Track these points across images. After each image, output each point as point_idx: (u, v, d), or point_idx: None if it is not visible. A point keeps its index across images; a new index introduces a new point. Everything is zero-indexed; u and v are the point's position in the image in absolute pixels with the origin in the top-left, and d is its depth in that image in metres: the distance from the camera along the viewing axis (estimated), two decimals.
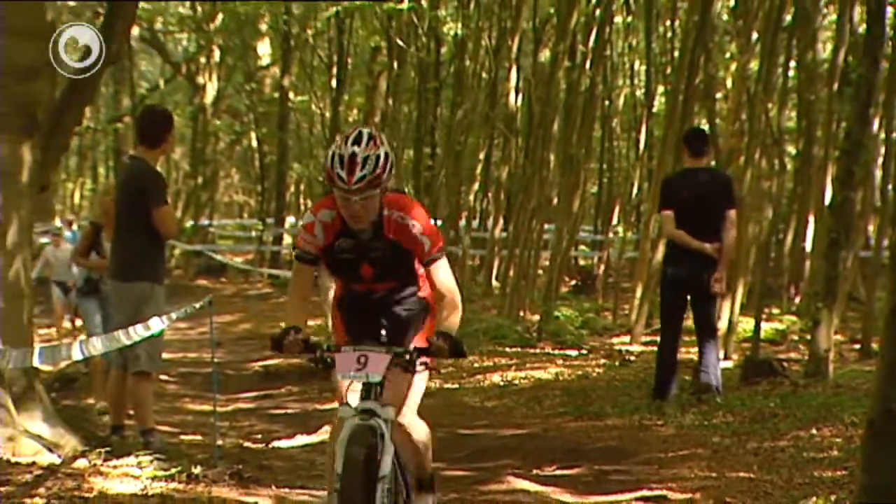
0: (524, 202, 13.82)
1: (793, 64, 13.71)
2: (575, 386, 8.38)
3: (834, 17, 13.81)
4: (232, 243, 25.81)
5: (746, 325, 10.27)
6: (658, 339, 7.42)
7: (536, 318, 12.52)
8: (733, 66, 13.71)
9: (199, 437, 6.65)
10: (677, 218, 6.81)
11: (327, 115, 22.08)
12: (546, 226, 14.51)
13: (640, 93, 19.73)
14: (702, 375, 6.85)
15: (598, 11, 13.85)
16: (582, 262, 19.93)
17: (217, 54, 22.88)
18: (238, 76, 23.97)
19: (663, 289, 7.20)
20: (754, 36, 11.77)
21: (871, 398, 3.18)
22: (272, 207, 23.32)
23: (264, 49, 23.93)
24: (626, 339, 11.54)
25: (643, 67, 18.90)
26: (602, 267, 17.16)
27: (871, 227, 13.10)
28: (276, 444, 6.65)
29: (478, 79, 16.09)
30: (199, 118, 23.13)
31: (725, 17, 16.01)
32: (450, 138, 16.18)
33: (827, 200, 10.78)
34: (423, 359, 3.38)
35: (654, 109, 18.00)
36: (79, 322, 9.86)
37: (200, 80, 23.00)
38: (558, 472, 5.44)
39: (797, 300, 13.41)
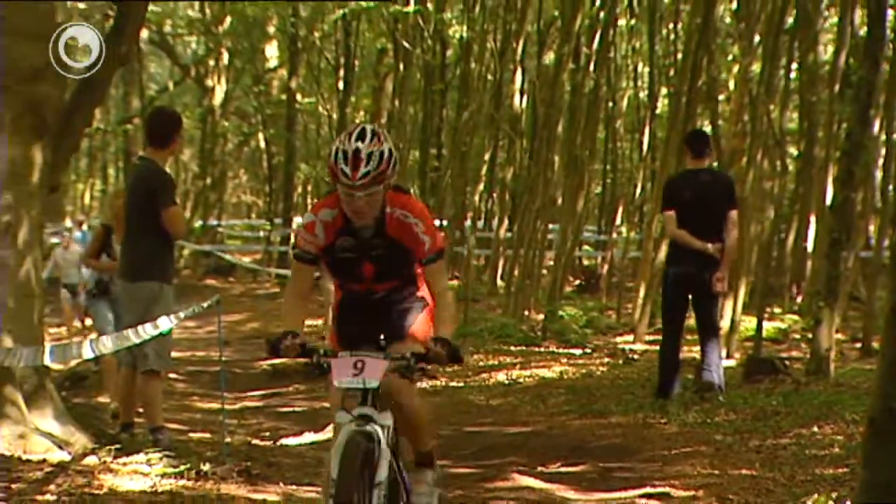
0: (529, 203, 13.93)
1: (794, 66, 13.84)
2: (579, 384, 8.42)
3: (835, 19, 13.87)
4: (240, 243, 25.76)
5: (749, 323, 10.38)
6: (661, 338, 7.39)
7: (541, 317, 12.61)
8: (736, 69, 13.74)
9: (207, 435, 6.60)
10: (679, 218, 6.82)
11: (334, 116, 22.16)
12: (550, 226, 14.59)
13: (643, 94, 19.73)
14: (704, 374, 6.85)
15: (601, 14, 13.98)
16: (586, 262, 19.99)
17: (225, 57, 22.86)
18: (246, 78, 23.98)
19: (665, 288, 7.20)
20: (756, 38, 11.73)
21: (872, 396, 3.19)
22: (280, 208, 23.33)
23: (272, 51, 23.97)
24: (630, 337, 11.64)
25: (646, 69, 18.90)
26: (606, 267, 17.26)
27: (871, 228, 13.18)
28: (283, 441, 6.63)
29: (483, 81, 16.13)
30: (207, 120, 23.09)
31: (728, 19, 16.12)
32: (455, 139, 16.21)
33: (828, 201, 10.85)
34: (421, 364, 3.33)
35: (658, 111, 18.07)
36: (88, 321, 9.86)
37: (209, 82, 23.01)
38: (563, 470, 5.43)
39: (799, 299, 13.50)
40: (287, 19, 21.00)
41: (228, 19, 21.65)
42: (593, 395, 7.82)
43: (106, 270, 7.09)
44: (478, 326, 12.11)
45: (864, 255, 12.33)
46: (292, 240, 21.60)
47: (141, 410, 5.96)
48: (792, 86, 14.15)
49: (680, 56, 14.14)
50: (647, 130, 17.77)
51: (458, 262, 16.85)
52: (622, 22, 17.46)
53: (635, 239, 17.82)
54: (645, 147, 18.05)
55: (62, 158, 5.99)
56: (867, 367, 8.10)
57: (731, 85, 15.25)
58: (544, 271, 14.91)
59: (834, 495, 4.25)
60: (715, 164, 11.50)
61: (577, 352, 10.59)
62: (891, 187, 13.09)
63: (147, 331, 5.09)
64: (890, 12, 9.82)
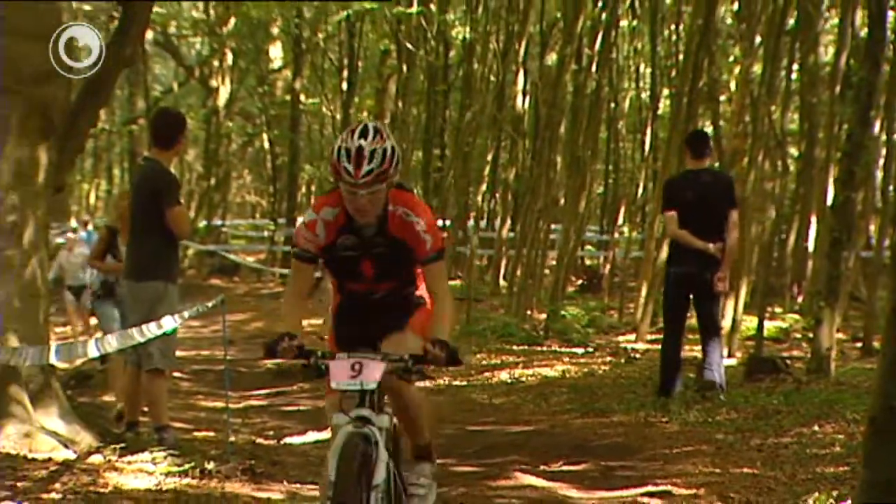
0: (531, 203, 13.99)
1: (795, 67, 13.86)
2: (581, 383, 8.44)
3: (836, 20, 13.82)
4: (244, 243, 25.79)
5: (750, 323, 10.44)
6: (662, 337, 7.41)
7: (543, 316, 12.65)
8: (737, 70, 13.74)
9: (212, 434, 6.61)
10: (681, 218, 6.84)
11: (338, 117, 22.21)
12: (553, 226, 14.68)
13: (645, 95, 19.76)
14: (706, 373, 6.87)
15: (603, 15, 14.00)
16: (588, 262, 20.01)
17: (230, 58, 22.94)
18: (250, 79, 24.02)
19: (667, 288, 7.24)
20: (757, 40, 11.79)
21: (873, 395, 3.21)
22: (284, 208, 23.37)
23: (276, 52, 23.99)
24: (632, 337, 11.70)
25: (648, 70, 18.91)
26: (608, 266, 17.31)
27: (872, 228, 13.20)
28: (287, 440, 6.65)
29: (486, 82, 16.22)
30: (212, 120, 23.13)
31: (729, 21, 16.14)
32: (458, 140, 16.24)
33: (829, 201, 10.86)
34: (419, 366, 3.32)
35: (659, 112, 18.06)
36: (93, 321, 9.85)
37: (213, 83, 23.07)
38: (565, 468, 5.45)
39: (800, 299, 13.53)
40: (291, 20, 21.03)
41: (233, 20, 21.71)
42: (595, 393, 7.85)
43: (111, 272, 7.09)
44: (481, 326, 12.18)
45: (864, 255, 12.36)
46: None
47: (146, 409, 5.97)
48: (793, 87, 14.16)
49: (681, 57, 14.14)
50: (648, 131, 17.84)
51: (461, 261, 16.93)
52: (624, 23, 17.47)
53: (637, 239, 17.88)
54: (647, 147, 18.11)
55: (68, 159, 6.01)
56: (868, 367, 8.13)
57: (733, 86, 15.25)
58: (547, 271, 14.96)
59: (835, 494, 4.27)
60: (716, 164, 11.58)
61: (580, 351, 10.64)
62: (891, 188, 13.11)
63: (152, 330, 5.10)
64: (890, 14, 9.76)
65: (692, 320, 7.23)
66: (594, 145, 15.13)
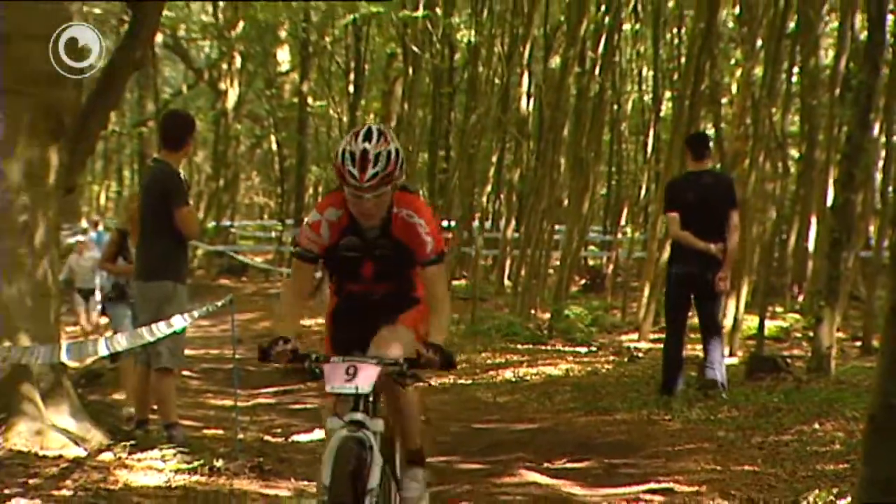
0: (535, 204, 14.07)
1: (796, 70, 13.89)
2: (585, 382, 8.46)
3: (836, 24, 13.91)
4: (252, 244, 25.81)
5: (751, 322, 10.54)
6: (665, 336, 7.41)
7: (547, 316, 12.73)
8: (738, 72, 13.81)
9: (220, 432, 6.59)
10: (682, 219, 6.85)
11: (345, 119, 22.38)
12: (556, 226, 14.72)
13: (647, 98, 19.87)
14: (707, 372, 6.88)
15: (607, 19, 14.07)
16: (591, 262, 20.11)
17: (238, 61, 23.03)
18: (259, 82, 24.13)
19: (669, 288, 7.23)
20: (759, 43, 11.87)
21: (872, 394, 3.22)
22: (291, 209, 23.51)
23: (284, 56, 24.12)
24: (635, 336, 11.78)
25: (651, 73, 19.00)
26: (611, 266, 17.32)
27: (871, 228, 13.23)
28: (295, 438, 6.62)
29: (490, 84, 16.29)
30: (220, 122, 23.26)
31: (731, 24, 16.21)
32: (463, 142, 16.34)
33: (829, 202, 10.93)
34: (413, 370, 3.27)
35: (662, 114, 18.15)
36: (103, 320, 9.87)
37: (222, 85, 23.17)
38: (569, 466, 5.44)
39: (800, 298, 13.59)
40: (299, 24, 21.17)
41: (241, 24, 21.78)
42: (599, 392, 7.86)
43: (122, 274, 7.11)
44: (485, 325, 12.26)
45: (864, 256, 12.35)
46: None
47: (155, 407, 5.98)
48: (793, 89, 14.18)
49: (683, 60, 14.28)
50: (651, 133, 17.94)
51: (467, 261, 17.07)
52: (627, 27, 17.48)
53: (640, 239, 17.95)
54: (649, 149, 18.19)
55: (78, 160, 6.03)
56: (867, 365, 8.12)
57: (734, 88, 15.28)
58: (550, 271, 14.99)
59: (835, 491, 4.28)
60: (718, 166, 11.69)
61: (583, 350, 10.70)
62: (890, 189, 13.19)
63: (161, 329, 5.09)
64: (890, 17, 9.85)
65: (694, 320, 7.27)
66: (597, 147, 15.21)
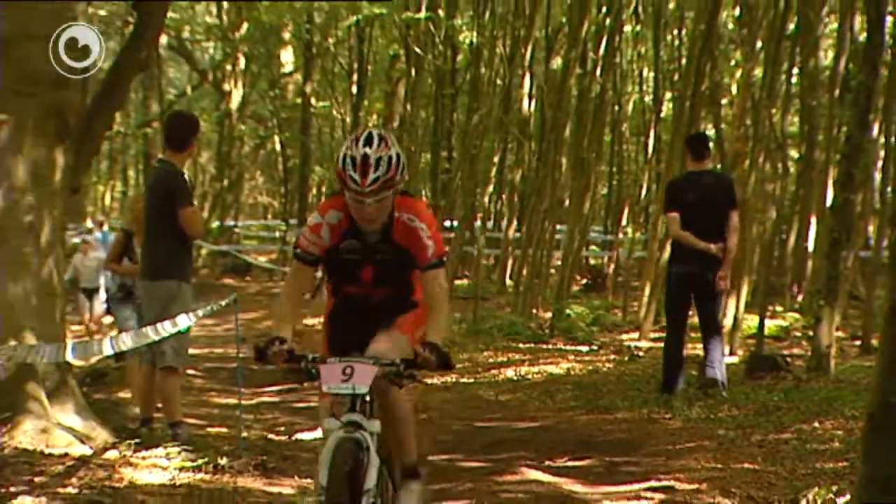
0: (537, 204, 14.11)
1: (795, 71, 13.93)
2: (586, 380, 8.46)
3: (835, 25, 13.95)
4: (256, 243, 25.86)
5: (751, 321, 10.59)
6: (665, 335, 7.42)
7: (549, 315, 12.78)
8: (738, 73, 13.83)
9: (224, 430, 6.59)
10: (683, 219, 6.87)
11: (348, 119, 22.44)
12: (558, 226, 14.77)
13: (648, 99, 19.89)
14: (708, 371, 6.89)
15: (608, 20, 14.12)
16: (592, 262, 20.08)
17: (242, 62, 23.13)
18: (262, 83, 24.17)
19: (669, 287, 7.23)
20: (758, 44, 11.90)
21: (871, 392, 3.23)
22: (295, 209, 23.58)
23: (287, 57, 24.22)
24: (636, 335, 11.83)
25: (651, 74, 19.05)
26: (612, 266, 17.32)
27: (870, 228, 13.27)
28: (298, 436, 6.62)
29: (492, 85, 16.31)
30: (224, 123, 23.33)
31: (731, 25, 16.28)
32: (465, 142, 16.34)
33: (828, 202, 10.97)
34: (410, 370, 3.26)
35: (662, 115, 18.20)
36: (108, 319, 9.97)
37: (226, 86, 23.28)
38: (570, 464, 5.44)
39: (800, 298, 13.66)
40: (302, 25, 21.24)
41: (245, 25, 21.87)
42: (600, 390, 7.88)
43: (128, 274, 7.13)
44: (487, 324, 12.28)
45: (863, 255, 12.40)
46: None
47: (160, 406, 6.01)
48: (793, 90, 14.22)
49: (684, 61, 14.32)
50: (651, 133, 17.98)
51: (469, 261, 17.14)
52: (628, 28, 17.51)
53: (640, 239, 17.98)
54: (650, 150, 18.22)
55: (83, 161, 6.06)
56: (866, 364, 8.14)
57: (734, 89, 15.30)
58: (552, 270, 15.05)
59: (834, 489, 4.30)
60: (718, 166, 11.75)
61: (584, 349, 10.73)
62: (889, 189, 13.21)
63: (166, 328, 5.11)
64: (889, 18, 9.86)
65: (694, 319, 7.29)
66: (598, 147, 15.27)
